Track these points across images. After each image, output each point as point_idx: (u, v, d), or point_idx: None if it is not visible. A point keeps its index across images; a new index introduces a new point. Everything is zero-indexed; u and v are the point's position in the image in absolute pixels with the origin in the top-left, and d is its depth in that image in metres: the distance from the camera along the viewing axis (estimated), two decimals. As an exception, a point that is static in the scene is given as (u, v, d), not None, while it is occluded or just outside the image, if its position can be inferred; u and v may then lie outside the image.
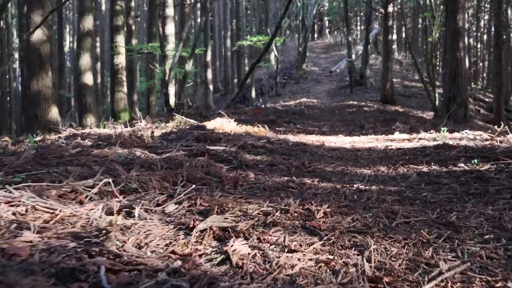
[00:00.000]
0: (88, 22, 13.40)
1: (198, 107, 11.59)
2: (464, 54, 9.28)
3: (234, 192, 2.42)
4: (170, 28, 14.78)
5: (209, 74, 20.06)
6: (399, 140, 5.01)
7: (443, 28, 10.39)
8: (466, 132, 5.12)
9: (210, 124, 4.86)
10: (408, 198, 2.39)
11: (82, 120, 12.66)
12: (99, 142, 3.73)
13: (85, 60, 13.31)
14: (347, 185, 2.73)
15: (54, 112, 10.80)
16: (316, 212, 2.02)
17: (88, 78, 13.32)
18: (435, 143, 4.35)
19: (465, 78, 9.41)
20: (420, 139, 4.81)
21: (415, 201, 2.33)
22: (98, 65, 31.70)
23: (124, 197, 2.18)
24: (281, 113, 10.41)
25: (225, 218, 1.89)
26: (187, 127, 4.66)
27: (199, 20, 19.01)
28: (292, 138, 5.11)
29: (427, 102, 13.74)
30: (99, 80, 31.49)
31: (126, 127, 5.72)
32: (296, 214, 2.01)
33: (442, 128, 5.25)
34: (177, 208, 2.04)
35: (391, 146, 4.51)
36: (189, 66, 11.00)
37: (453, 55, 9.13)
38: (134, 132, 3.98)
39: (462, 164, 3.19)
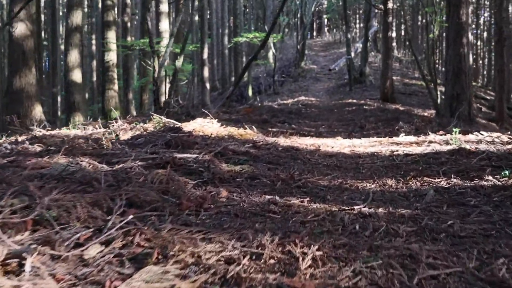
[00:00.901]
0: (77, 17, 12.93)
1: (190, 105, 10.96)
2: (468, 50, 8.72)
3: (193, 221, 1.80)
4: (165, 25, 14.26)
5: (206, 72, 19.48)
6: (406, 143, 4.38)
7: (446, 24, 9.78)
8: (481, 134, 4.49)
9: (188, 126, 4.22)
10: (429, 229, 1.77)
11: (71, 119, 12.08)
12: (50, 148, 3.10)
13: (73, 56, 12.79)
14: (346, 207, 2.10)
15: (37, 111, 10.19)
16: (301, 257, 1.40)
17: (76, 75, 12.81)
18: (449, 147, 3.73)
19: (469, 75, 8.84)
20: (430, 142, 4.18)
21: (439, 234, 1.70)
22: (94, 63, 31.06)
23: (35, 231, 1.57)
24: (276, 112, 9.75)
25: (165, 272, 1.27)
26: (162, 129, 4.03)
27: (196, 17, 18.39)
28: (283, 141, 4.47)
29: (428, 100, 13.14)
30: (94, 78, 30.85)
31: (100, 127, 5.11)
32: (272, 261, 1.39)
33: (454, 129, 4.62)
34: (102, 251, 1.42)
35: (397, 151, 3.88)
36: (179, 62, 10.35)
37: (456, 51, 8.56)
38: (91, 136, 3.35)
39: (490, 177, 2.55)
